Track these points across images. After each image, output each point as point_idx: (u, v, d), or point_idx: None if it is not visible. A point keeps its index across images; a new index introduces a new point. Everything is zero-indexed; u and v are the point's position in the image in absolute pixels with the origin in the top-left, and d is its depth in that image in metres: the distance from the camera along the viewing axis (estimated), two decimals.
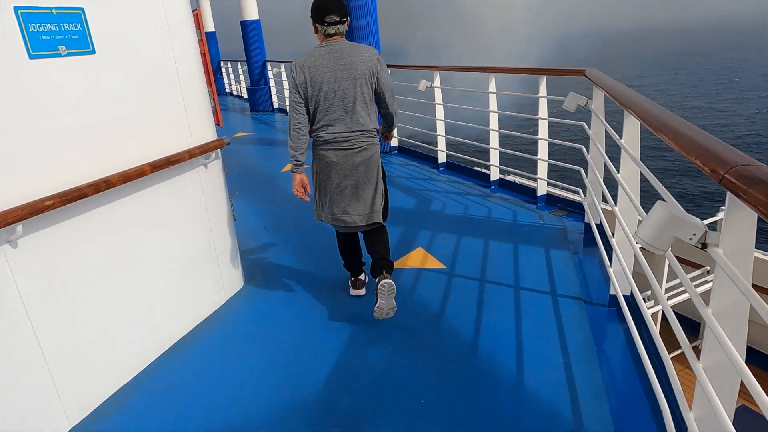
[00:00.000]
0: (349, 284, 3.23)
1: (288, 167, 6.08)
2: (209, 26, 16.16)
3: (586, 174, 3.74)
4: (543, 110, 4.28)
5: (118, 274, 2.42)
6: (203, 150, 2.75)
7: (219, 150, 3.02)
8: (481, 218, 4.28)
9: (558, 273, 3.23)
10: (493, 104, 4.84)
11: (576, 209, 4.27)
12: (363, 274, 3.21)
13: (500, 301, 2.95)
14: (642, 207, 2.06)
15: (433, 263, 3.49)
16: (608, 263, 2.87)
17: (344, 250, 3.15)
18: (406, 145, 6.82)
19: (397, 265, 3.50)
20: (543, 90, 4.23)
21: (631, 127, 2.46)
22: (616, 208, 2.61)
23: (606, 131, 3.37)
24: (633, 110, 2.25)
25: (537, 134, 4.36)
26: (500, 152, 4.99)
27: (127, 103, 2.40)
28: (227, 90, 16.71)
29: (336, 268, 3.51)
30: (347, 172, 2.76)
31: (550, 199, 4.53)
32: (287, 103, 10.90)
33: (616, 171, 2.66)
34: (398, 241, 3.92)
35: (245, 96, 14.12)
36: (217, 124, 5.04)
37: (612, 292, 2.80)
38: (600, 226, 3.53)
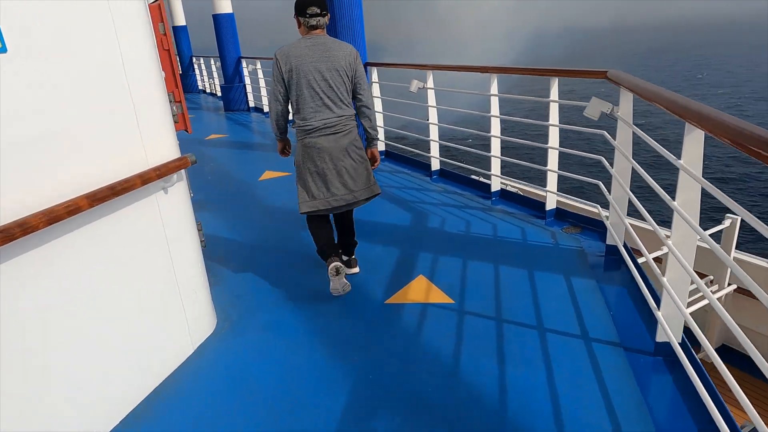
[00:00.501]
0: (330, 273, 2.99)
1: (265, 175, 5.52)
2: (179, 20, 15.38)
3: (609, 190, 3.30)
4: (554, 116, 3.82)
5: (53, 331, 1.87)
6: (161, 172, 2.21)
7: (183, 170, 2.47)
8: (485, 237, 3.81)
9: (585, 309, 2.78)
10: (495, 107, 4.36)
11: (591, 226, 3.83)
12: (338, 261, 3.03)
13: (524, 349, 2.48)
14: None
15: (439, 296, 3.00)
16: (652, 302, 2.43)
17: (322, 236, 3.15)
18: (395, 150, 6.32)
19: (397, 299, 3.01)
20: (554, 93, 3.77)
21: (694, 142, 2.00)
22: (670, 242, 2.15)
23: (633, 140, 2.95)
24: (699, 122, 1.79)
25: (547, 142, 3.90)
26: (503, 161, 4.53)
27: (54, 115, 1.84)
28: (200, 87, 15.94)
29: (326, 297, 3.01)
30: (340, 154, 2.95)
31: (559, 213, 4.08)
32: (264, 101, 10.37)
33: (665, 193, 2.21)
34: (396, 265, 3.42)
35: (219, 94, 13.41)
36: (185, 130, 4.48)
37: (660, 338, 2.35)
38: (628, 250, 3.10)
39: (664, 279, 2.22)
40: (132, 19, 2.13)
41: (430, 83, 5.15)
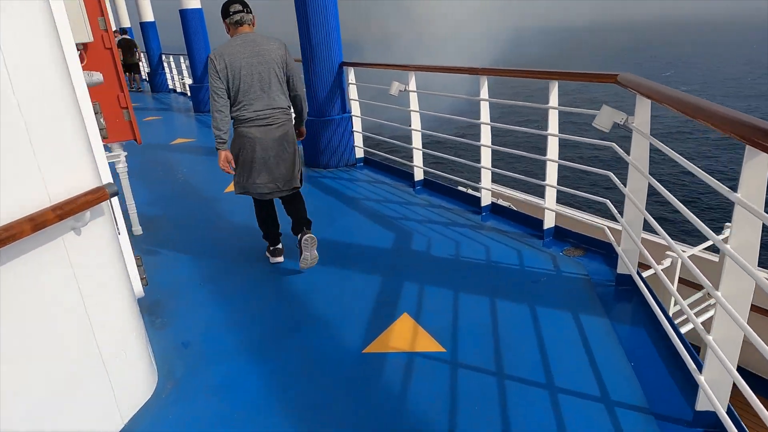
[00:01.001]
0: (268, 254, 3.52)
1: (232, 188, 4.97)
2: (147, 15, 14.61)
3: (620, 210, 2.87)
4: (553, 124, 3.38)
5: None
6: (67, 210, 1.68)
7: (106, 203, 1.94)
8: (477, 262, 3.35)
9: (601, 358, 2.33)
10: (485, 113, 3.91)
11: (596, 248, 3.40)
12: (281, 243, 3.52)
13: (533, 414, 2.02)
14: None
15: (427, 342, 2.53)
16: (689, 361, 1.99)
17: (264, 220, 3.45)
18: (375, 156, 5.83)
19: (378, 346, 2.52)
20: (554, 98, 3.33)
21: (758, 170, 1.56)
22: (720, 293, 1.71)
23: (651, 152, 2.52)
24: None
25: (545, 153, 3.46)
26: (496, 173, 4.08)
27: None
28: (170, 87, 15.20)
29: (294, 342, 2.52)
30: (270, 144, 3.12)
31: (559, 232, 3.64)
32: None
33: (714, 234, 1.77)
34: (376, 301, 2.94)
35: (190, 94, 12.75)
36: (134, 140, 3.92)
37: (702, 407, 1.92)
38: (644, 281, 2.67)
39: (710, 338, 1.78)
40: (20, 14, 1.60)
41: (412, 85, 4.68)
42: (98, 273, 1.94)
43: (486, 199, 4.14)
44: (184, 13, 10.04)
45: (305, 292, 3.10)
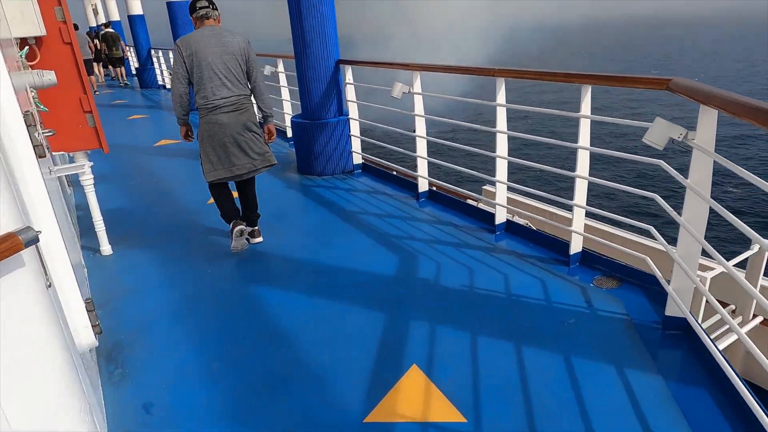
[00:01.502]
0: (232, 237, 3.55)
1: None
2: (136, 8, 14.04)
3: (672, 243, 2.42)
4: (584, 135, 2.92)
5: None
6: None
7: (30, 250, 1.45)
8: (495, 295, 2.89)
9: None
10: (501, 120, 3.44)
11: (633, 278, 2.94)
12: (243, 224, 3.57)
13: None
14: None
15: (444, 409, 2.06)
16: None
17: (225, 203, 3.57)
18: (375, 164, 5.35)
19: (382, 414, 2.05)
20: (586, 105, 2.87)
21: None
22: None
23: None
24: None
25: (574, 169, 3.00)
26: (512, 187, 3.62)
27: None
28: (160, 83, 14.62)
29: (282, 407, 2.04)
30: (238, 128, 3.35)
31: (586, 256, 3.19)
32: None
33: None
34: (378, 348, 2.46)
35: None
36: (101, 149, 3.43)
37: None
38: (698, 326, 2.22)
39: None
40: None
41: (417, 87, 4.20)
42: (19, 342, 1.46)
43: (501, 217, 3.68)
44: (172, 6, 9.50)
45: (294, 334, 2.63)
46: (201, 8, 3.32)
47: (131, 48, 16.14)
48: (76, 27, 13.04)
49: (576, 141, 2.93)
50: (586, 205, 3.03)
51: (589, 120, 2.88)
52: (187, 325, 2.75)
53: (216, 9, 3.38)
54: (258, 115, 3.58)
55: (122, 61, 14.93)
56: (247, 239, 3.63)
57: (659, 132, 2.20)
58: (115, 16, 17.28)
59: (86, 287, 3.07)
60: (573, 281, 2.99)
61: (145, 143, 7.38)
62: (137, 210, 4.64)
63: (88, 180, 3.41)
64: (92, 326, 2.13)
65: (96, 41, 15.23)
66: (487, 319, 2.65)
